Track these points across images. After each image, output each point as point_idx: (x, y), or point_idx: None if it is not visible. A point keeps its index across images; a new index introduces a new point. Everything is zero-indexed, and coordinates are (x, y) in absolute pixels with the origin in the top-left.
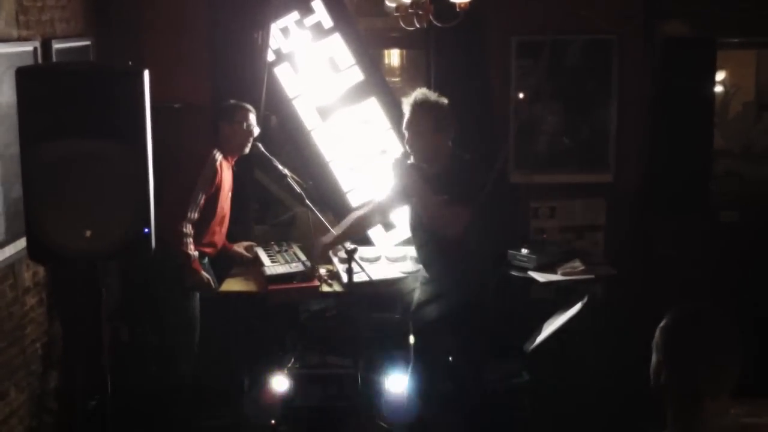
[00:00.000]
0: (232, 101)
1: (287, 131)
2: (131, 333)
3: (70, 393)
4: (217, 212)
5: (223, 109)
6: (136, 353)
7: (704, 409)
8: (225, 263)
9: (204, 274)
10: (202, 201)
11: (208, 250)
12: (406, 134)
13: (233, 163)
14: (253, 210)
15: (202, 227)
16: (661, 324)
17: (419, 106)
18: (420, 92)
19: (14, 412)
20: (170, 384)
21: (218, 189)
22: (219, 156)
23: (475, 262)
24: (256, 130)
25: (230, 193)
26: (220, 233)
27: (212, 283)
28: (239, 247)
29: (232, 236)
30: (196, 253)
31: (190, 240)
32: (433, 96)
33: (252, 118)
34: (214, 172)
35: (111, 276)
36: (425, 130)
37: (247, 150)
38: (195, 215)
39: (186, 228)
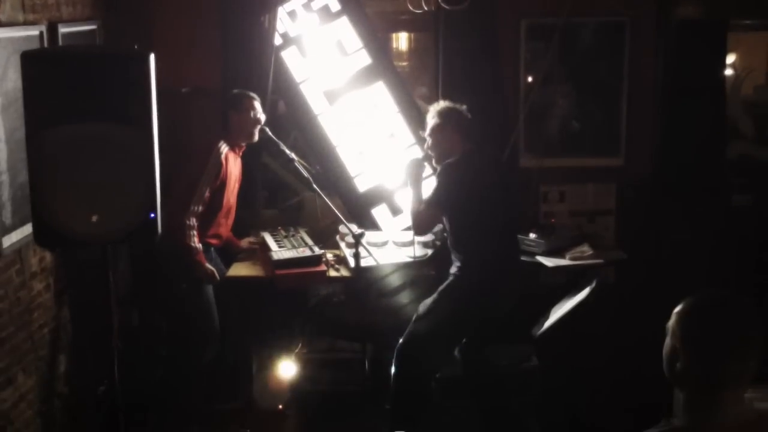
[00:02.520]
0: (236, 90)
1: (295, 116)
2: (141, 317)
3: (80, 377)
4: (224, 205)
5: (230, 98)
6: (146, 337)
7: (721, 398)
8: (233, 251)
9: (208, 266)
10: (207, 194)
11: (213, 241)
12: (429, 140)
13: (241, 153)
14: (261, 195)
15: (208, 219)
16: (679, 309)
17: (439, 113)
18: (441, 102)
19: (23, 397)
20: (179, 368)
21: (224, 182)
22: (224, 148)
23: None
24: (263, 118)
25: (237, 185)
26: (225, 225)
27: (216, 275)
28: (245, 243)
29: (242, 220)
30: (200, 246)
31: (194, 233)
32: (451, 103)
33: (258, 106)
34: (219, 165)
35: (121, 260)
36: (444, 134)
37: (255, 138)
38: (199, 208)
39: (190, 221)
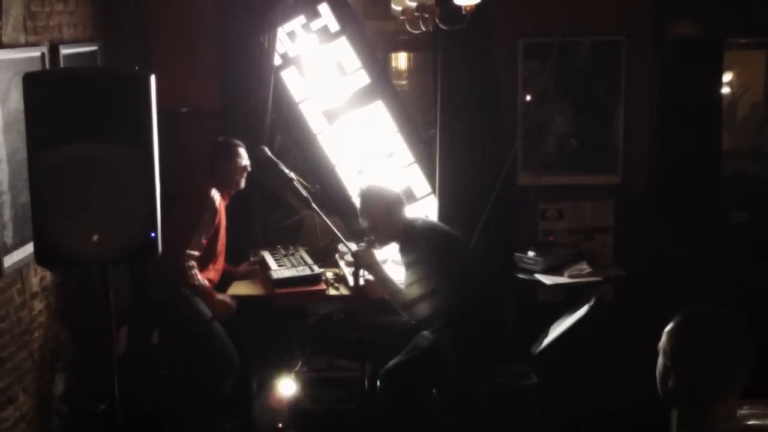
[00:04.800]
0: (221, 138)
1: (294, 135)
2: (141, 336)
3: (80, 396)
4: (216, 251)
5: (218, 146)
6: (147, 356)
7: (712, 413)
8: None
9: (220, 297)
10: (204, 241)
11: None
12: (365, 224)
13: (228, 200)
14: (260, 214)
15: (199, 266)
16: (668, 327)
17: (368, 201)
18: (367, 187)
19: (23, 417)
20: (180, 388)
21: (217, 229)
22: (216, 195)
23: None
24: (249, 165)
25: (224, 232)
26: (215, 270)
27: (231, 305)
28: (244, 268)
29: (241, 240)
30: (206, 281)
31: (196, 272)
32: (371, 189)
33: (244, 153)
34: (214, 212)
35: (122, 278)
36: (377, 217)
37: (242, 185)
38: (196, 252)
39: (189, 263)
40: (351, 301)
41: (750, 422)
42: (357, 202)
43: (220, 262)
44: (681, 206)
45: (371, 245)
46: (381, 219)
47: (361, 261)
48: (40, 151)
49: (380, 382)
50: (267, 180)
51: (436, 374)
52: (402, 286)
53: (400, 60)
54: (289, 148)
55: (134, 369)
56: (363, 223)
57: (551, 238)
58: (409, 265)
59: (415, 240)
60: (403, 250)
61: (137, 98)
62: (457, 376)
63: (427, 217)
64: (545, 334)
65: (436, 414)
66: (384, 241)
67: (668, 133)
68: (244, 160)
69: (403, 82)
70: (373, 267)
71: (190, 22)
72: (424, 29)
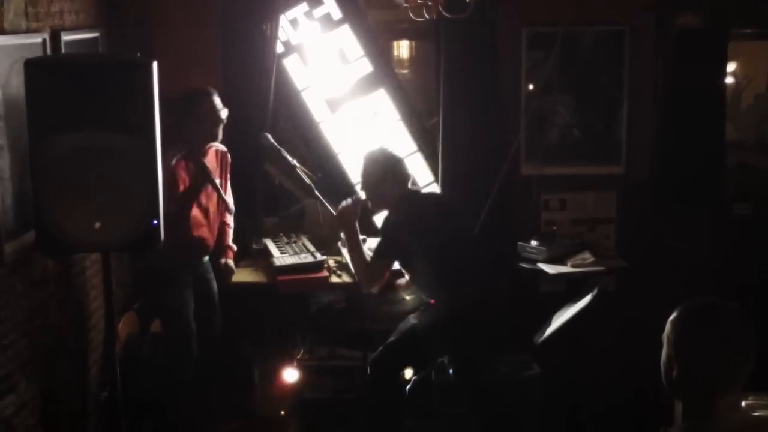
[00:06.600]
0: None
1: (296, 123)
2: (142, 324)
3: (82, 384)
4: (202, 210)
5: (195, 92)
6: (148, 344)
7: (716, 404)
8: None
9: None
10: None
11: (199, 248)
12: (363, 185)
13: (206, 155)
14: (262, 201)
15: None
16: (672, 317)
17: (375, 162)
18: (375, 149)
19: (25, 404)
20: (179, 376)
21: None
22: (173, 159)
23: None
24: (224, 113)
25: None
26: (209, 232)
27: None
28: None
29: (243, 228)
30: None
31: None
32: (377, 150)
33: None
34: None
35: (123, 267)
36: (372, 180)
37: (220, 135)
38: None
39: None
40: (353, 289)
41: (756, 413)
42: (364, 161)
43: (213, 224)
44: (684, 197)
45: (358, 205)
46: (376, 183)
47: (341, 218)
48: (42, 138)
49: (369, 370)
50: (269, 167)
51: (417, 355)
52: (369, 260)
53: (402, 49)
54: (291, 136)
55: (136, 356)
56: (360, 184)
57: (554, 228)
58: (386, 237)
59: (402, 215)
60: (386, 221)
61: (139, 86)
62: (438, 356)
63: (434, 191)
64: (547, 324)
65: (437, 403)
66: (377, 206)
67: (671, 124)
68: (220, 103)
69: (405, 71)
70: (350, 229)
71: (193, 9)
72: (427, 17)
